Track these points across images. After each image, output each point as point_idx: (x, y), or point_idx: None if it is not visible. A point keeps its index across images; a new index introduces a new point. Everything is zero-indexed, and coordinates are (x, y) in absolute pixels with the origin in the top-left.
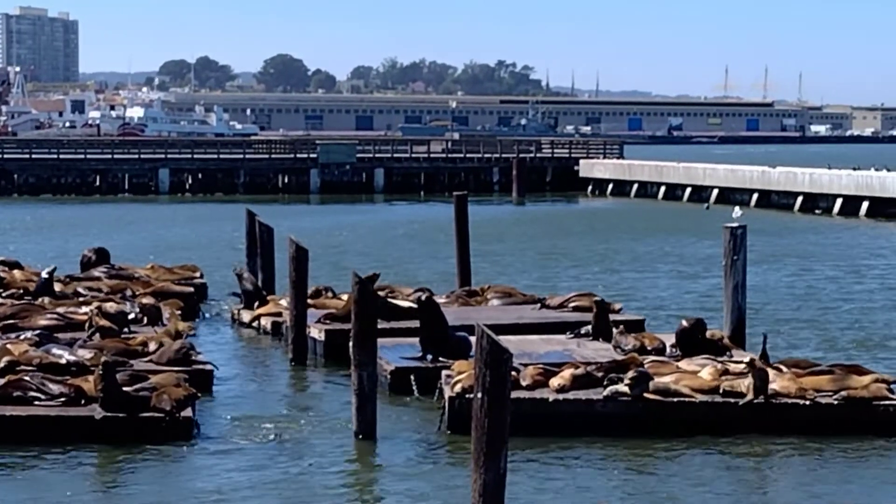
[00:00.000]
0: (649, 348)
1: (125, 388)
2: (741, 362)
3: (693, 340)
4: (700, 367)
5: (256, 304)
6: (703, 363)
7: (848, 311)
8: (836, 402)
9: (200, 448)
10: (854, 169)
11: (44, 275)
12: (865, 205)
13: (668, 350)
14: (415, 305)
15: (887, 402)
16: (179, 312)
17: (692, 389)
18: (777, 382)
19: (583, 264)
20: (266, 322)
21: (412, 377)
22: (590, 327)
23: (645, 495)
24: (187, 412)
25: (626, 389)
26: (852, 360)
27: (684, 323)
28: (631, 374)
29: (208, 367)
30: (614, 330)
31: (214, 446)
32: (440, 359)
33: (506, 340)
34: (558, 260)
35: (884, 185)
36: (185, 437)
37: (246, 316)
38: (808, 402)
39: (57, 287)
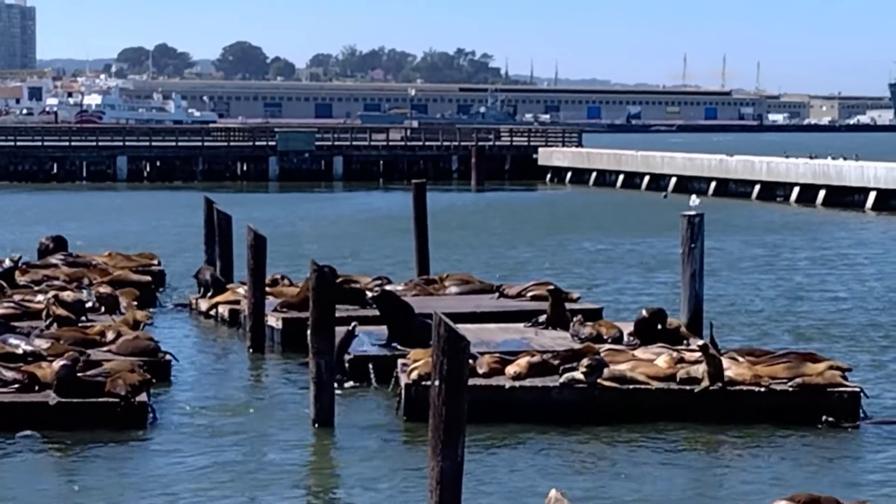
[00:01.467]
0: (606, 337)
1: (80, 374)
2: (698, 349)
3: (652, 330)
4: (656, 356)
5: (212, 292)
6: (658, 351)
7: (804, 300)
8: (791, 390)
9: (156, 434)
10: (811, 157)
11: (7, 263)
12: (822, 193)
13: (625, 338)
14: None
15: (842, 389)
16: (136, 302)
17: (648, 377)
18: (732, 370)
19: (541, 253)
20: (223, 310)
21: (370, 365)
22: (546, 316)
23: (601, 482)
24: (142, 397)
25: (581, 377)
26: (807, 348)
27: (644, 312)
28: (586, 361)
29: (167, 357)
30: (574, 318)
31: (171, 432)
32: (399, 347)
33: (463, 329)
34: (517, 248)
35: (840, 174)
36: (140, 422)
37: (203, 304)
38: (763, 390)
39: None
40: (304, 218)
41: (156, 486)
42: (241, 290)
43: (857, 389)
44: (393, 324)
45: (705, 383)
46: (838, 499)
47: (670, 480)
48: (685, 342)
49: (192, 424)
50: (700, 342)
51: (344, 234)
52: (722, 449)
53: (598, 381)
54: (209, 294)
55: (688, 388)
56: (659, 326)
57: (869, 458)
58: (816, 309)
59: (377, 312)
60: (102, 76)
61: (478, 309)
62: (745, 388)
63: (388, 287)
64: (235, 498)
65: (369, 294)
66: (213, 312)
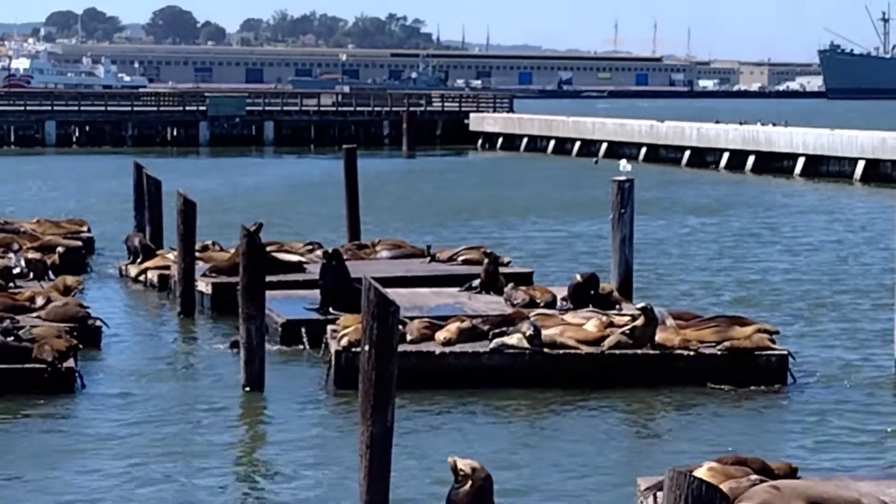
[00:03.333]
0: (540, 301)
1: (5, 340)
2: (628, 314)
3: (585, 295)
4: (585, 320)
5: (141, 258)
6: (587, 316)
7: (732, 264)
8: (719, 353)
9: (85, 400)
10: (741, 124)
11: None
12: (752, 159)
13: (558, 303)
14: (303, 259)
15: (770, 352)
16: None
17: (578, 341)
18: (660, 334)
19: (472, 217)
20: (153, 276)
21: (303, 329)
22: (479, 280)
23: (531, 447)
24: (69, 363)
25: (513, 342)
26: (735, 312)
27: (578, 277)
28: (527, 327)
29: (97, 322)
30: (509, 284)
31: (100, 398)
32: (332, 311)
33: (397, 294)
34: (448, 213)
35: (770, 140)
36: (67, 388)
37: (133, 270)
38: (692, 353)
39: None
40: (235, 183)
41: (84, 453)
42: (171, 256)
43: (785, 352)
44: (335, 285)
45: (625, 329)
46: (765, 460)
47: (599, 444)
48: (617, 307)
49: (122, 390)
50: (640, 304)
51: (275, 200)
52: (651, 413)
53: (543, 346)
54: (138, 260)
55: (618, 352)
56: (591, 292)
57: (796, 420)
58: (744, 273)
59: (308, 277)
60: (30, 40)
61: (409, 273)
62: (674, 351)
63: (319, 252)
64: (165, 463)
65: (318, 253)
66: (142, 278)
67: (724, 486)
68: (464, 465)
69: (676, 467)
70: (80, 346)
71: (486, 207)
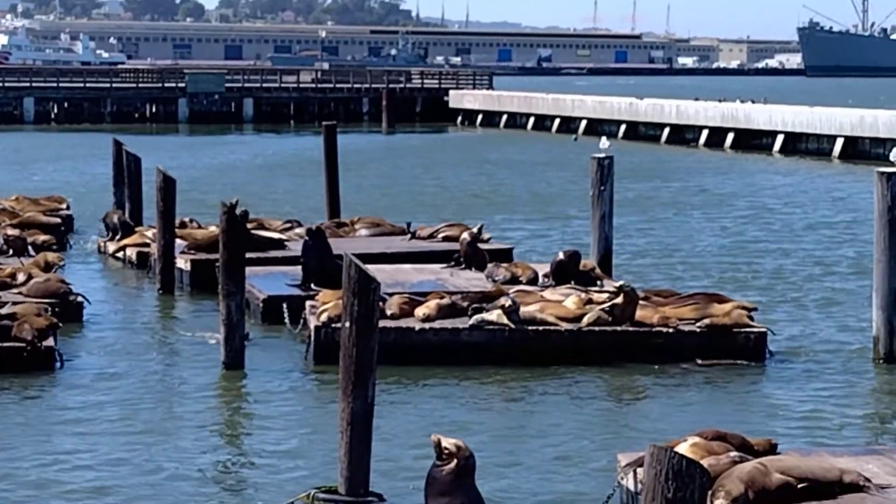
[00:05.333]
0: (522, 278)
1: None
2: (607, 291)
3: (568, 272)
4: (564, 297)
5: (120, 235)
6: (566, 292)
7: (711, 241)
8: (698, 330)
9: (64, 378)
10: (720, 101)
11: None
12: (731, 136)
13: (540, 280)
14: (283, 237)
15: (748, 329)
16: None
17: (557, 318)
18: (639, 311)
19: (452, 194)
20: (132, 252)
21: (284, 306)
22: (459, 256)
23: (511, 423)
24: (49, 342)
25: (492, 318)
26: (713, 289)
27: (560, 255)
28: (507, 302)
29: (78, 299)
30: (490, 263)
31: (80, 376)
32: (314, 288)
33: (378, 270)
34: (428, 190)
35: (748, 117)
36: (47, 366)
37: (111, 247)
38: (671, 330)
39: None
40: (214, 160)
41: (64, 430)
42: (150, 233)
43: (764, 329)
44: (317, 262)
45: (604, 305)
46: (745, 436)
47: (579, 421)
48: (598, 283)
49: (103, 367)
50: (619, 283)
51: (254, 177)
52: (631, 389)
53: (521, 322)
54: (117, 237)
55: (598, 329)
56: (574, 268)
57: (775, 396)
58: (722, 250)
59: (288, 254)
60: (8, 16)
61: (389, 250)
62: (653, 328)
63: (298, 230)
64: (144, 440)
65: (298, 231)
66: (120, 255)
67: (705, 463)
68: (448, 443)
69: (657, 443)
70: (61, 325)
71: (466, 183)
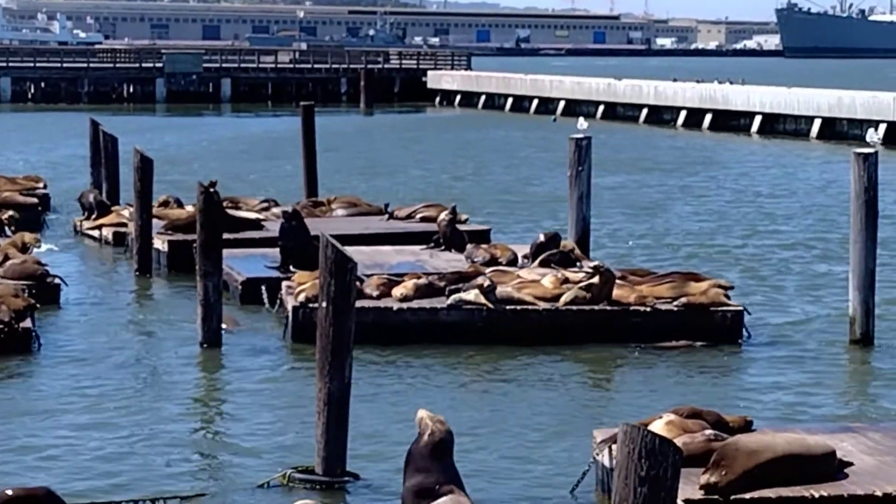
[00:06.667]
0: (501, 259)
1: None
2: (583, 271)
3: (548, 254)
4: (541, 276)
5: (96, 214)
6: (543, 272)
7: (688, 221)
8: (675, 309)
9: (42, 359)
10: (698, 82)
11: None
12: (709, 117)
13: (520, 261)
14: (260, 217)
15: (725, 308)
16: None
17: (535, 297)
18: (616, 290)
19: (430, 175)
20: (108, 232)
21: (263, 288)
22: (438, 237)
23: (488, 402)
24: (26, 323)
25: (470, 298)
26: (690, 268)
27: (541, 237)
28: (485, 282)
29: (56, 280)
30: (469, 244)
31: (58, 358)
32: (292, 270)
33: (357, 251)
34: (406, 170)
35: (726, 98)
36: (24, 348)
37: (87, 226)
38: (648, 309)
39: None
40: (191, 140)
41: (41, 411)
42: (126, 213)
43: (740, 308)
44: (296, 244)
45: (582, 284)
46: (720, 413)
47: (556, 399)
48: (578, 264)
49: (80, 348)
50: (593, 264)
51: (231, 157)
52: (607, 367)
53: (499, 301)
54: (93, 216)
55: (575, 308)
56: (553, 250)
57: (751, 374)
58: (700, 230)
59: (265, 235)
60: None
61: (367, 231)
62: (630, 308)
63: (275, 209)
64: (121, 421)
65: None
66: (96, 234)
67: (679, 441)
68: (429, 419)
69: (632, 421)
70: (38, 306)
71: (444, 164)
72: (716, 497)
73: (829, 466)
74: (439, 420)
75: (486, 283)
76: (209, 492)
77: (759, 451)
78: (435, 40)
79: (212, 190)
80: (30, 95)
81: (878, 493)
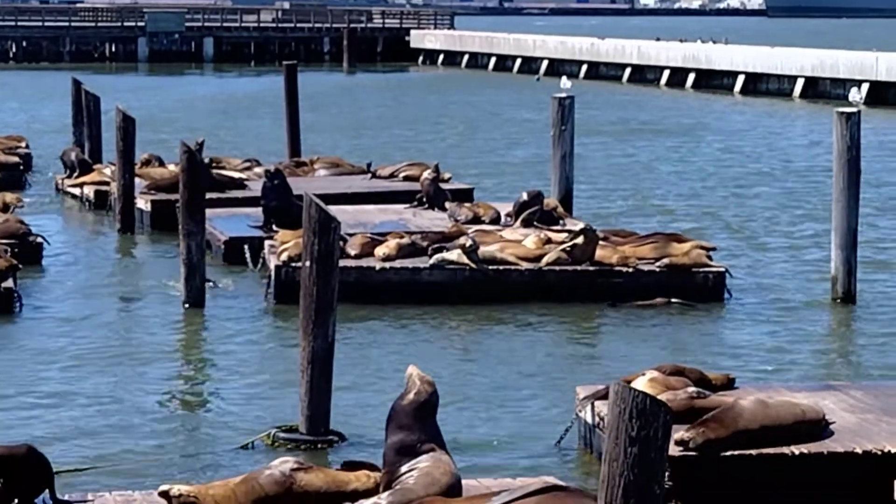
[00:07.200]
0: (484, 218)
1: None
2: (566, 231)
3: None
4: (523, 236)
5: (78, 173)
6: (526, 232)
7: (671, 181)
8: (657, 270)
9: (25, 320)
10: (681, 41)
11: None
12: (692, 76)
13: (503, 220)
14: (243, 177)
15: (707, 269)
16: None
17: (517, 257)
18: (599, 251)
19: (414, 134)
20: (89, 191)
21: (246, 247)
22: (421, 196)
23: (470, 361)
24: (8, 283)
25: (453, 257)
26: (673, 229)
27: (524, 195)
28: (467, 242)
29: (38, 239)
30: (452, 203)
31: (40, 318)
32: (275, 229)
33: (341, 210)
34: (389, 130)
35: (709, 58)
36: (6, 308)
37: (69, 185)
38: (630, 270)
39: None
40: (174, 99)
41: (23, 371)
42: (108, 171)
43: (723, 268)
44: (278, 203)
45: (564, 246)
46: (703, 371)
47: (539, 356)
48: (561, 222)
49: (63, 308)
50: (578, 224)
51: (213, 117)
52: (590, 327)
53: (482, 261)
54: (75, 175)
55: (557, 268)
56: (536, 209)
57: (733, 334)
58: (682, 190)
59: (248, 194)
60: None
61: (350, 190)
62: (614, 268)
63: (257, 169)
64: (105, 380)
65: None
66: (78, 193)
67: (662, 398)
68: (418, 377)
69: (616, 379)
70: (20, 266)
71: (427, 123)
72: (694, 453)
73: (819, 430)
74: (428, 381)
75: (469, 243)
76: (193, 452)
77: (753, 419)
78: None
79: (199, 148)
80: (11, 55)
81: (858, 451)
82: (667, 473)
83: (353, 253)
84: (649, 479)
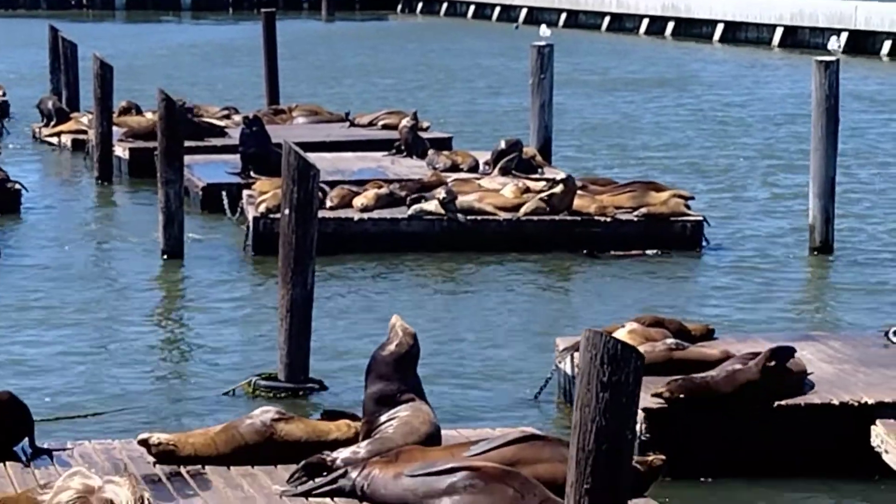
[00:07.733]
0: (462, 166)
1: None
2: (545, 179)
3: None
4: (502, 185)
5: (55, 121)
6: (504, 181)
7: (649, 130)
8: (635, 219)
9: (4, 268)
10: None
11: None
12: (671, 25)
13: (481, 167)
14: (221, 124)
15: (685, 218)
16: None
17: (495, 207)
18: (577, 200)
19: (393, 82)
20: (67, 139)
21: (223, 194)
22: (400, 144)
23: (449, 311)
24: None
25: (431, 208)
26: (653, 178)
27: (502, 143)
28: (442, 193)
29: (16, 186)
30: (430, 151)
31: (21, 267)
32: (253, 176)
33: (319, 157)
34: (368, 78)
35: (689, 6)
36: None
37: (46, 133)
38: (608, 220)
39: None
40: (152, 47)
41: (3, 320)
42: (85, 120)
43: (700, 218)
44: (257, 151)
45: (543, 195)
46: (682, 322)
47: (518, 308)
48: (539, 170)
49: (42, 257)
50: (557, 173)
51: (192, 64)
52: (568, 277)
53: (457, 212)
54: (52, 123)
55: (535, 218)
56: (514, 156)
57: (711, 284)
58: (661, 140)
59: (227, 142)
60: None
61: (329, 138)
62: (592, 217)
63: (235, 117)
64: (83, 330)
65: (235, 118)
66: (55, 141)
67: (641, 349)
68: (401, 329)
69: (593, 328)
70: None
71: (407, 71)
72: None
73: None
74: (410, 332)
75: (443, 195)
76: (173, 401)
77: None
78: None
79: (182, 107)
80: None
81: (835, 402)
82: (644, 425)
83: (331, 205)
84: (621, 425)
